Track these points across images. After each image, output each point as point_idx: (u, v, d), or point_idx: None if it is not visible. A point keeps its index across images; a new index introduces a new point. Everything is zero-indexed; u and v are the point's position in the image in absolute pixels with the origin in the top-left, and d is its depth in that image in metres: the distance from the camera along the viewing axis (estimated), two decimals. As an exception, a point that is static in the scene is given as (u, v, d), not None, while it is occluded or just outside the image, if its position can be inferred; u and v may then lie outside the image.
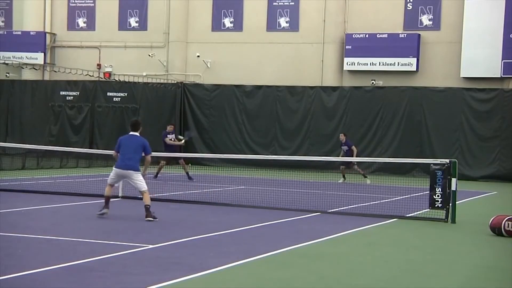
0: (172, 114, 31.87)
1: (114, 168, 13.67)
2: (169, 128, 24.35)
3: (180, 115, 31.98)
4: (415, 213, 15.67)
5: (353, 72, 31.77)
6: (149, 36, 34.78)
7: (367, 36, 31.17)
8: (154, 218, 13.30)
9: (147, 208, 13.41)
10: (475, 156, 28.20)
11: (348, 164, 24.42)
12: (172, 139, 23.82)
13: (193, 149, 30.81)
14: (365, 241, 12.14)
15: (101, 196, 16.78)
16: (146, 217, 13.35)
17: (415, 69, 30.74)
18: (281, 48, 32.80)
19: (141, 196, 13.78)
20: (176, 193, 18.87)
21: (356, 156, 24.72)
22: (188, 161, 29.26)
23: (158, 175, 22.85)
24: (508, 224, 12.69)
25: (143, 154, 13.75)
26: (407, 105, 29.13)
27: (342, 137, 25.12)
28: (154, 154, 25.41)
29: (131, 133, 13.80)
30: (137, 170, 13.52)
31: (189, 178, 22.79)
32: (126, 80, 32.00)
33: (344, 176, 24.55)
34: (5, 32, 36.33)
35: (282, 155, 26.94)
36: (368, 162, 27.04)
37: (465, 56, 29.92)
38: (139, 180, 13.52)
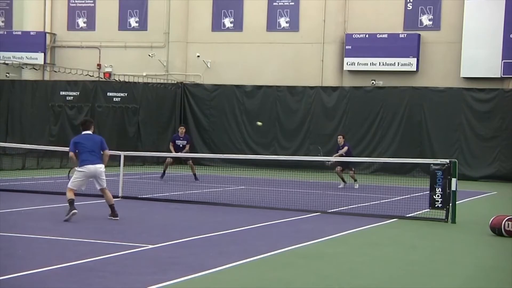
0: (172, 114, 31.88)
1: (79, 169, 13.21)
2: (180, 130, 23.78)
3: (180, 115, 31.98)
4: (415, 213, 15.67)
5: (353, 72, 31.77)
6: (149, 36, 34.78)
7: (367, 36, 31.16)
8: (116, 216, 13.31)
9: (112, 206, 13.35)
10: (475, 156, 28.19)
11: (344, 165, 22.37)
12: (180, 145, 23.11)
13: (193, 149, 30.80)
14: (365, 241, 12.14)
15: (101, 196, 16.83)
16: (114, 216, 13.28)
17: (415, 69, 30.73)
18: (281, 48, 32.79)
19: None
20: (176, 193, 18.87)
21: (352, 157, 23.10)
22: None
23: (164, 175, 22.90)
24: (508, 224, 12.69)
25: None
26: (407, 105, 29.12)
27: (340, 139, 22.98)
28: (160, 154, 25.32)
29: (84, 132, 13.57)
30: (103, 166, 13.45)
31: (196, 179, 22.76)
32: (126, 80, 32.00)
33: (344, 180, 22.54)
34: (5, 32, 36.32)
35: (282, 155, 26.93)
36: (368, 162, 27.06)
37: (465, 56, 29.91)
38: (104, 176, 13.45)
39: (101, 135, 34.08)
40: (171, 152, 23.05)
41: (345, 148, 22.65)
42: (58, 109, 31.24)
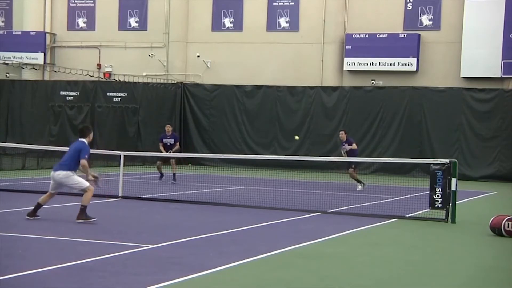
0: (172, 114, 31.87)
1: None
2: (167, 129, 23.08)
3: (180, 115, 31.99)
4: (415, 213, 15.67)
5: (353, 72, 31.76)
6: (149, 36, 34.78)
7: (367, 36, 31.16)
8: (89, 218, 12.70)
9: (82, 209, 12.75)
10: (475, 156, 28.19)
11: (348, 166, 21.60)
12: (168, 144, 22.47)
13: (193, 149, 30.83)
14: (365, 241, 12.14)
15: (101, 196, 16.85)
16: (77, 218, 12.68)
17: (415, 69, 30.73)
18: (281, 48, 32.79)
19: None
20: (176, 193, 18.87)
21: (357, 156, 22.20)
22: (188, 161, 29.23)
23: (162, 175, 22.33)
24: (508, 224, 12.69)
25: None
26: (407, 105, 29.13)
27: (342, 135, 22.02)
28: (160, 154, 24.77)
29: (79, 139, 13.24)
30: (67, 171, 12.84)
31: (174, 179, 22.10)
32: (126, 80, 32.01)
33: (360, 181, 21.60)
34: (5, 32, 36.33)
35: (282, 155, 26.92)
36: (368, 162, 27.06)
37: (465, 56, 29.91)
38: (74, 182, 12.90)
39: (101, 135, 34.05)
40: (161, 152, 22.42)
41: (354, 145, 21.72)
42: (58, 109, 31.24)
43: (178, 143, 23.03)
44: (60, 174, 12.89)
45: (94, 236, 11.28)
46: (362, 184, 21.63)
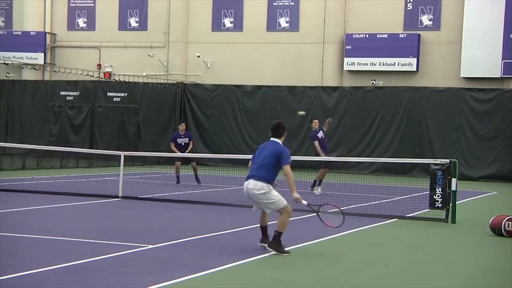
0: (172, 114, 31.89)
1: None
2: (181, 127, 22.28)
3: (180, 115, 31.96)
4: (415, 213, 15.66)
5: (353, 72, 31.76)
6: (149, 36, 34.77)
7: (367, 36, 31.16)
8: (283, 250, 10.22)
9: (275, 235, 10.37)
10: (475, 156, 28.19)
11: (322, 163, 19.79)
12: (182, 144, 21.70)
13: (193, 149, 30.75)
14: (365, 241, 12.14)
15: (101, 196, 16.86)
16: (269, 246, 10.30)
17: (415, 69, 30.73)
18: (281, 48, 32.79)
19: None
20: (176, 193, 18.87)
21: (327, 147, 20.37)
22: (188, 161, 29.21)
23: (179, 180, 21.49)
24: (508, 224, 12.69)
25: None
26: (407, 105, 29.13)
27: (316, 123, 20.21)
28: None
29: (271, 139, 11.04)
30: (263, 183, 10.60)
31: (198, 181, 21.54)
32: (126, 80, 32.00)
33: (320, 184, 19.98)
34: (5, 32, 36.32)
35: (282, 155, 26.83)
36: (368, 162, 27.06)
37: (465, 56, 29.91)
38: (270, 199, 10.53)
39: (101, 135, 33.89)
40: (181, 147, 21.61)
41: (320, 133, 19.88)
42: (58, 109, 31.23)
43: (191, 143, 22.23)
44: (254, 187, 10.65)
45: (94, 236, 11.28)
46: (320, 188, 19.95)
